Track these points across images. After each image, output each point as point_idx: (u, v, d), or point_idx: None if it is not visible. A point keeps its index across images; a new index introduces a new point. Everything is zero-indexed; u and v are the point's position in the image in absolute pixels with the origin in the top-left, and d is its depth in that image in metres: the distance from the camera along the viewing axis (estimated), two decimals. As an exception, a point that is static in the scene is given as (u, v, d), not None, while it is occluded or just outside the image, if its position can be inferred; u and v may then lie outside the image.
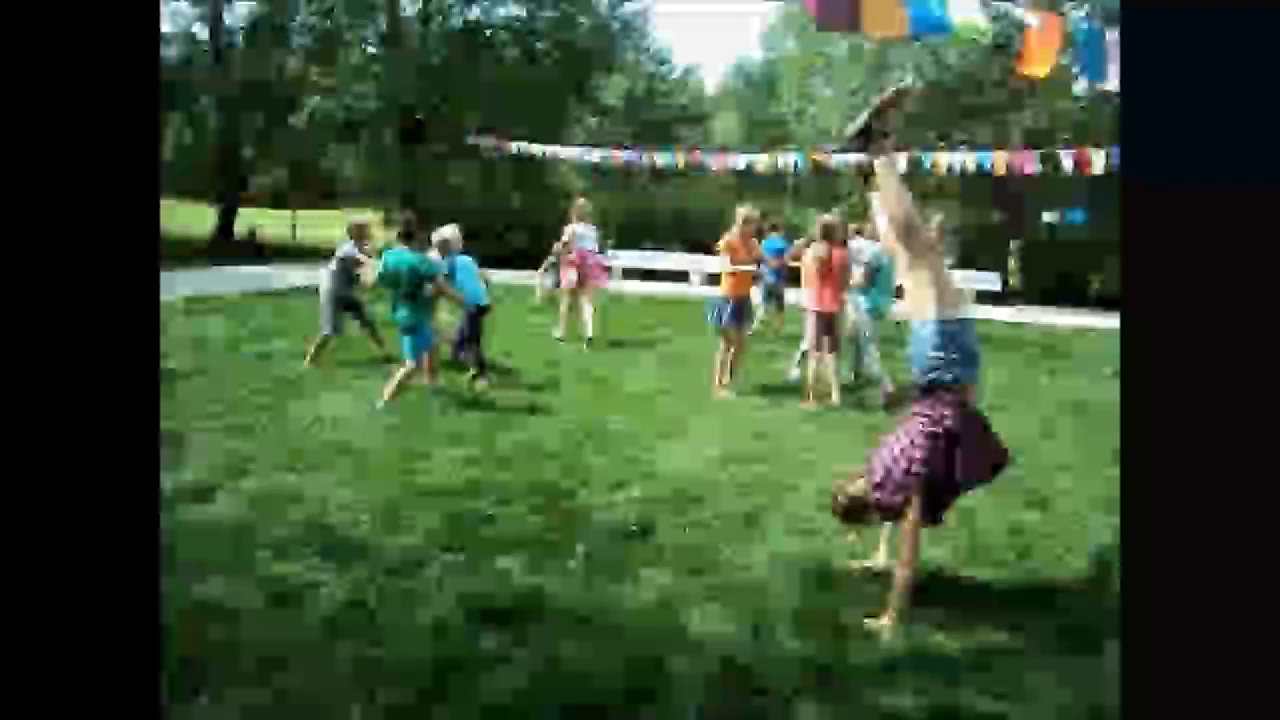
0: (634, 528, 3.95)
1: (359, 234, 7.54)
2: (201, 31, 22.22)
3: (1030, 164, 9.07)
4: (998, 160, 9.31)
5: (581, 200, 9.52)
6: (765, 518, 4.16)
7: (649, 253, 17.92)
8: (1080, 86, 16.47)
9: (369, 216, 11.30)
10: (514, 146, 13.64)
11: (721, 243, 6.78)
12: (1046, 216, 14.27)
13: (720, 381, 6.93)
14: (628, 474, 4.81)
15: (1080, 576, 3.63)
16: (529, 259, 13.92)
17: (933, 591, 3.27)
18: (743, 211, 6.87)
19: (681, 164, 12.18)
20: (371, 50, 21.29)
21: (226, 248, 20.74)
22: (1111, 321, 12.31)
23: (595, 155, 12.96)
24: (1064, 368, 8.88)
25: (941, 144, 15.50)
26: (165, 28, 21.17)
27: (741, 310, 6.93)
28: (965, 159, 9.71)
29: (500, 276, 15.93)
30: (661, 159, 12.51)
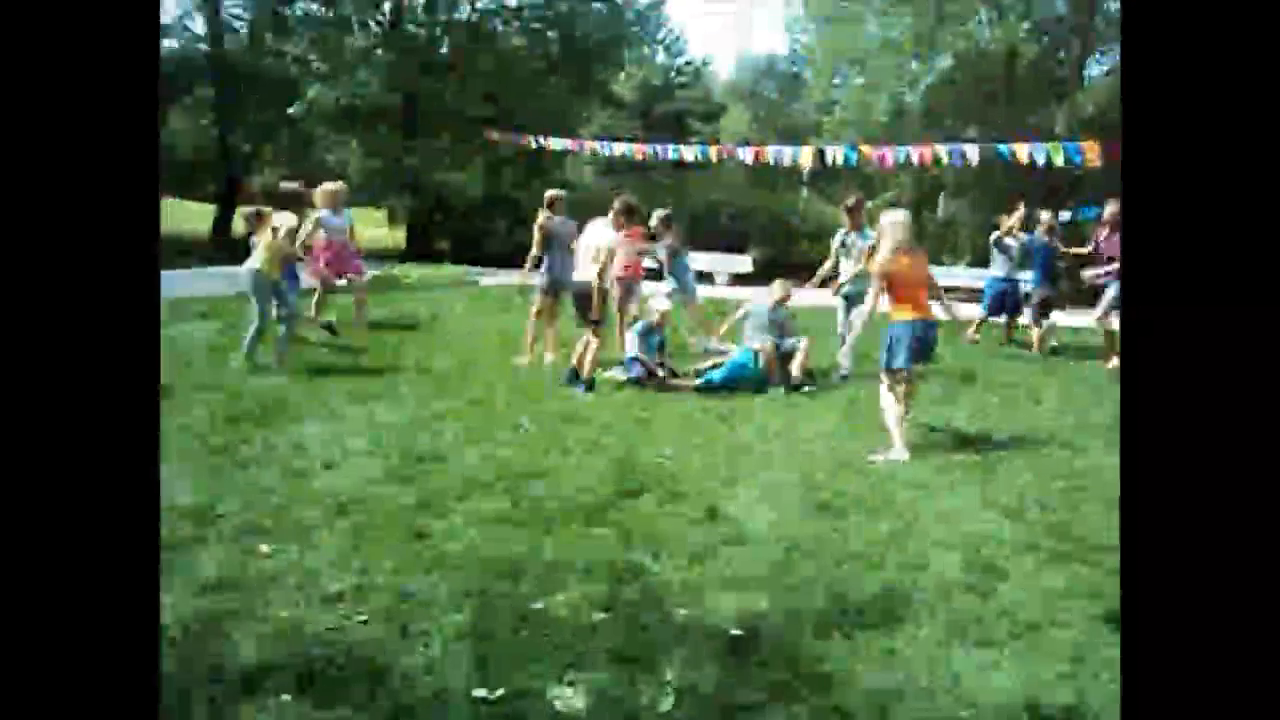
0: (738, 633, 2.84)
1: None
2: (196, 21, 21.24)
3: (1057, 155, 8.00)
4: (1089, 150, 8.18)
5: (335, 187, 8.47)
6: (924, 608, 3.05)
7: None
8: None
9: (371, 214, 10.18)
10: (531, 140, 12.51)
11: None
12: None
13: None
14: (706, 536, 3.70)
15: None
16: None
17: None
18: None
19: (714, 157, 11.07)
20: (375, 35, 20.21)
21: (223, 246, 19.74)
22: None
23: (619, 148, 11.84)
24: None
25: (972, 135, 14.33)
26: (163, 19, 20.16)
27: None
28: (1049, 149, 8.56)
29: (507, 278, 14.96)
30: (690, 153, 11.39)
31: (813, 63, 18.26)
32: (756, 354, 7.07)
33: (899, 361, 5.08)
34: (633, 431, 5.46)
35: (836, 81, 18.70)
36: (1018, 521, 4.07)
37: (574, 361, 6.73)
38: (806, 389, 6.81)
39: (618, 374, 7.07)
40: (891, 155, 9.48)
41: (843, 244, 7.47)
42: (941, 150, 9.08)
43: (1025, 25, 15.69)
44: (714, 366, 7.02)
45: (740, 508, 4.10)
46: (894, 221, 5.31)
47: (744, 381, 6.86)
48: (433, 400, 5.97)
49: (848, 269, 7.28)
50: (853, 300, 7.19)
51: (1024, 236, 8.96)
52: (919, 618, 3.00)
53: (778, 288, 7.28)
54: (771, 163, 10.64)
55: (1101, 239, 7.35)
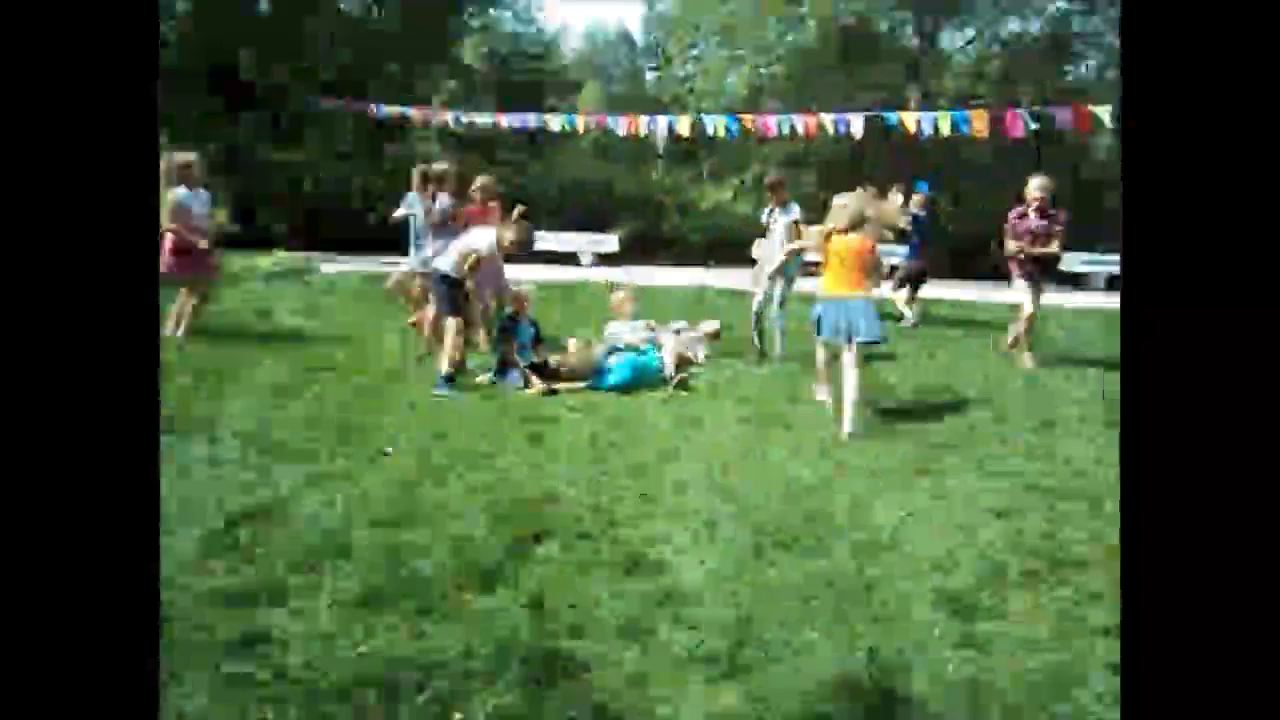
0: None
1: None
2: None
3: (1019, 127, 7.74)
4: (977, 120, 7.91)
5: (190, 158, 6.99)
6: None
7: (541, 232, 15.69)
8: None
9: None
10: (374, 108, 11.04)
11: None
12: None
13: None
14: (636, 597, 2.89)
15: None
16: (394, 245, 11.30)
17: None
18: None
19: (583, 128, 10.15)
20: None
21: None
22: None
23: (476, 119, 10.65)
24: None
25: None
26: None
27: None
28: (938, 118, 8.24)
29: (354, 264, 13.40)
30: (556, 123, 10.41)
31: (673, 33, 17.58)
32: (659, 347, 6.39)
33: (823, 332, 5.32)
34: (519, 452, 4.55)
35: (695, 53, 18.16)
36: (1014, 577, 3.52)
37: (445, 357, 5.78)
38: (688, 387, 6.12)
39: (498, 380, 6.13)
40: (775, 124, 8.94)
41: (768, 222, 7.32)
42: (827, 120, 8.63)
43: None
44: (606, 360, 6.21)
45: (670, 549, 3.32)
46: (837, 203, 5.43)
47: (645, 380, 6.10)
48: (261, 433, 4.76)
49: (773, 245, 7.08)
50: (789, 278, 7.00)
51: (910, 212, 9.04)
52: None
53: (707, 327, 7.19)
54: (645, 133, 9.91)
55: (1014, 216, 6.97)
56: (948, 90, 17.28)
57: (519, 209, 6.61)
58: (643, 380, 6.07)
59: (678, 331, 6.72)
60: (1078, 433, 5.26)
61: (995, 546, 3.46)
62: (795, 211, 6.97)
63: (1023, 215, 6.89)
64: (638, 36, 26.63)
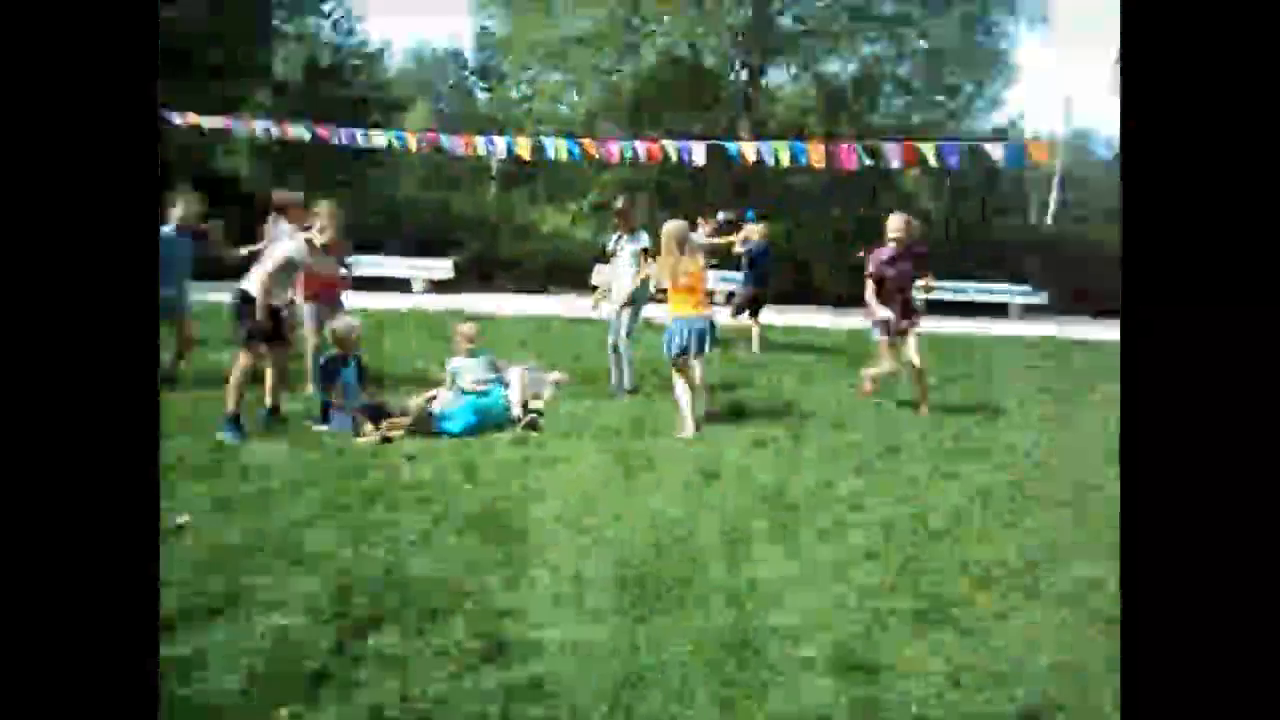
0: None
1: None
2: None
3: (853, 160, 7.95)
4: (814, 152, 8.07)
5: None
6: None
7: (370, 256, 14.61)
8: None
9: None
10: (175, 118, 9.81)
11: None
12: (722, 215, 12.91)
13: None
14: (501, 693, 2.45)
15: None
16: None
17: None
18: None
19: (414, 146, 9.49)
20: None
21: None
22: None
23: (293, 131, 9.71)
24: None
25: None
26: None
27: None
28: (776, 148, 8.34)
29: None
30: (382, 139, 9.69)
31: (507, 53, 17.14)
32: (506, 385, 5.96)
33: (672, 350, 5.76)
34: (349, 514, 3.96)
35: (529, 74, 17.83)
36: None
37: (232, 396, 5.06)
38: (538, 428, 5.69)
39: (324, 426, 5.44)
40: (618, 150, 8.74)
41: (615, 249, 7.11)
42: (670, 147, 8.54)
43: (700, 30, 16.07)
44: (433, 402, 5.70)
45: (531, 625, 2.90)
46: (665, 230, 5.88)
47: (490, 422, 5.62)
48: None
49: (620, 272, 6.95)
50: (638, 303, 6.82)
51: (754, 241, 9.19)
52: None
53: (555, 376, 6.80)
54: (484, 153, 9.40)
55: (884, 258, 6.41)
56: (779, 122, 17.99)
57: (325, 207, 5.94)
58: (487, 422, 5.59)
59: (526, 370, 6.30)
60: (930, 465, 5.32)
61: (873, 589, 3.31)
62: (643, 239, 6.82)
63: (883, 252, 6.45)
64: (469, 55, 25.90)
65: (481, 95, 24.98)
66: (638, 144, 8.76)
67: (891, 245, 6.42)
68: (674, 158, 8.62)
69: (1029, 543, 3.86)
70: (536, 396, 6.19)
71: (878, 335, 6.51)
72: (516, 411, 5.77)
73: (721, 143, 9.10)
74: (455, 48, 30.14)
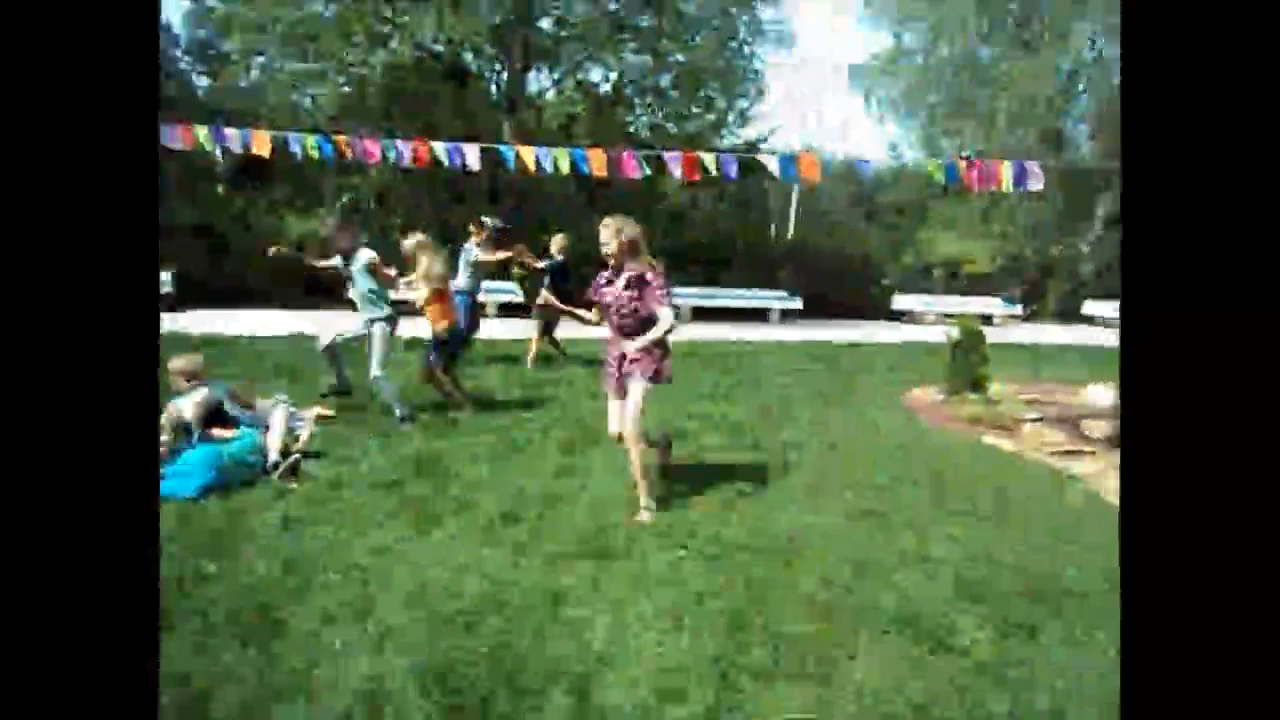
0: None
1: None
2: None
3: (635, 168, 7.62)
4: (595, 159, 7.62)
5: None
6: None
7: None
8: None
9: None
10: None
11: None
12: (489, 221, 12.09)
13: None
14: None
15: None
16: None
17: None
18: None
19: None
20: None
21: None
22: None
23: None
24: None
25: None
26: None
27: None
28: (556, 155, 7.77)
29: None
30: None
31: (231, 34, 14.93)
32: (260, 425, 4.93)
33: (431, 359, 6.44)
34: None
35: (261, 60, 15.81)
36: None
37: None
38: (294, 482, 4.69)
39: None
40: (380, 150, 7.67)
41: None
42: (440, 149, 7.68)
43: (453, 23, 15.19)
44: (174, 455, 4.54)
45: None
46: (410, 245, 6.28)
47: (236, 477, 4.57)
48: None
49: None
50: (387, 330, 6.28)
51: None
52: None
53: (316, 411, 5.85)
54: (210, 149, 7.91)
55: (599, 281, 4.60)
56: (546, 127, 17.52)
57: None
58: (233, 477, 4.54)
59: (282, 403, 5.24)
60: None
61: (721, 643, 2.94)
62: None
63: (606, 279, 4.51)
64: (179, 32, 22.37)
65: (202, 82, 21.86)
66: (401, 144, 7.80)
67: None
68: (444, 161, 7.80)
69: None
70: (295, 437, 5.18)
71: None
72: (274, 457, 4.77)
73: (497, 146, 8.42)
74: (165, 22, 26.12)
